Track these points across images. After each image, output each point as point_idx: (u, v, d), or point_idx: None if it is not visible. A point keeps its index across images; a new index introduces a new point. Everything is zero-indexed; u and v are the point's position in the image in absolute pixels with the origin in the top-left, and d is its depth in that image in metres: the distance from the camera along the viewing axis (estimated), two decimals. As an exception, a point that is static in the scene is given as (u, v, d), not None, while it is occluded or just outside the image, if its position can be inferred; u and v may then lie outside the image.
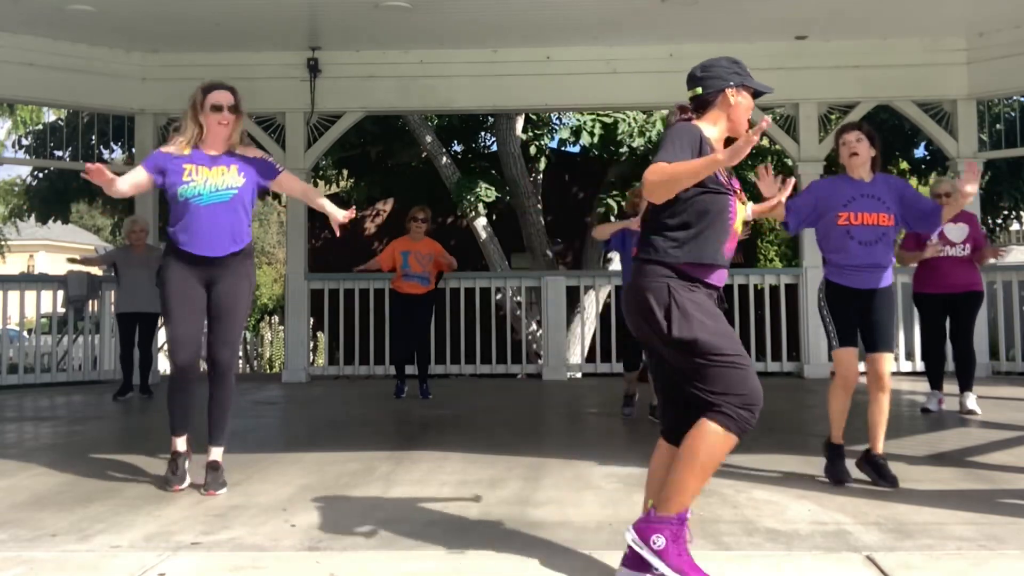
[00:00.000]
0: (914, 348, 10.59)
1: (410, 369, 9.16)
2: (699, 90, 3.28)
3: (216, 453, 4.66)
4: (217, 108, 4.61)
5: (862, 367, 4.84)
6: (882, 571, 3.16)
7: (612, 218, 14.05)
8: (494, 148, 16.17)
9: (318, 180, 16.67)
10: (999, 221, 16.48)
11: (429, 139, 14.83)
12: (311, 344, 12.69)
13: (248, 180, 4.65)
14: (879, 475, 4.54)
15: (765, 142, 16.07)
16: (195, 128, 4.63)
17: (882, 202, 4.71)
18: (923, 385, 9.27)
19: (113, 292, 9.30)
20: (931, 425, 6.70)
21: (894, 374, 10.65)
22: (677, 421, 3.15)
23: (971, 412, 7.03)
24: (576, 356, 12.83)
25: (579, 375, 11.63)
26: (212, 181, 4.55)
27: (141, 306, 8.67)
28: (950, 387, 7.43)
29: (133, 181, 4.63)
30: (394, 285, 8.88)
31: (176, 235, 4.58)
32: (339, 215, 4.72)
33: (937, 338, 7.34)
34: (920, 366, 10.41)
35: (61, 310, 10.55)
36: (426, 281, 8.71)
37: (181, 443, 4.65)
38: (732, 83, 3.23)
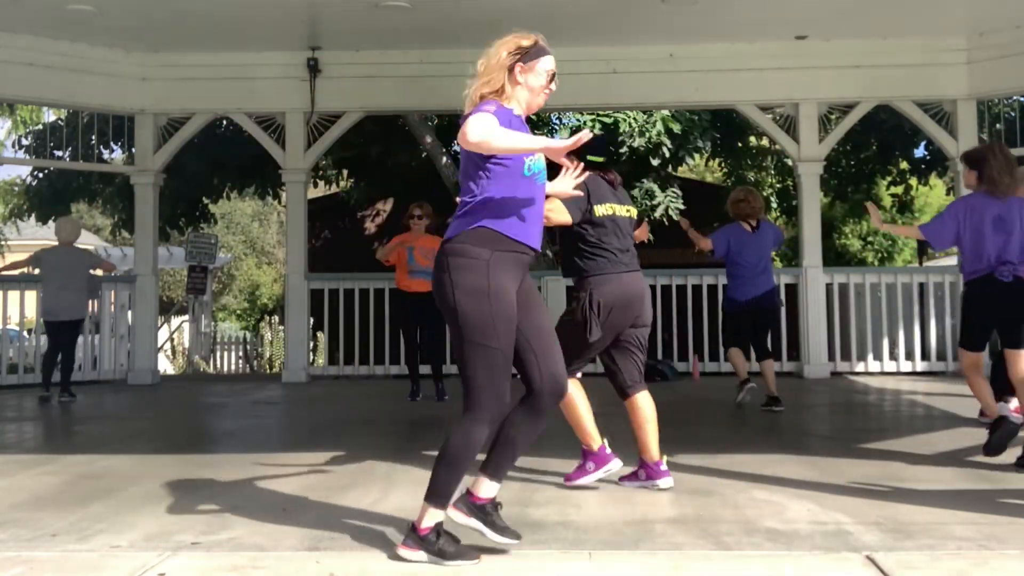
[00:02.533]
0: (914, 347, 10.60)
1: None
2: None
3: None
4: (552, 77, 3.70)
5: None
6: (882, 571, 3.16)
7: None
8: (494, 148, 16.13)
9: (318, 180, 16.68)
10: None
11: (429, 139, 14.81)
12: (311, 344, 12.69)
13: None
14: None
15: (765, 142, 16.08)
16: (510, 88, 3.54)
17: None
18: (924, 385, 9.29)
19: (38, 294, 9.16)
20: (931, 425, 6.70)
21: (894, 374, 10.70)
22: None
23: None
24: (576, 356, 12.80)
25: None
26: (539, 156, 3.52)
27: (63, 314, 8.76)
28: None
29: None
30: (401, 284, 8.53)
31: (509, 222, 3.40)
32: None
33: None
34: (921, 366, 10.44)
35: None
36: (431, 276, 8.54)
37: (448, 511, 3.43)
38: None
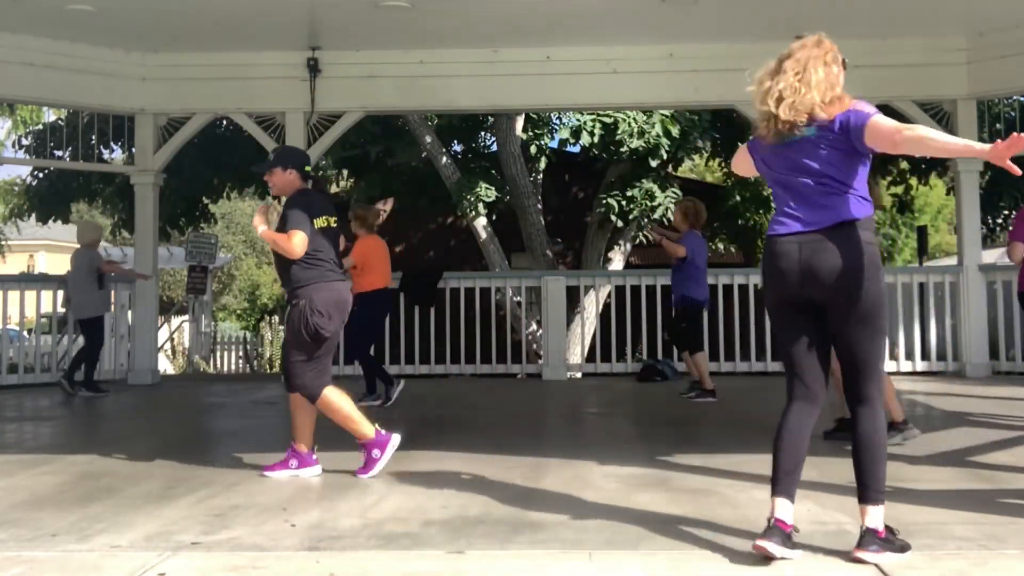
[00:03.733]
0: (914, 347, 10.60)
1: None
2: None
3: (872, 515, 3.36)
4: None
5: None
6: (882, 571, 3.16)
7: (612, 217, 14.01)
8: (494, 148, 16.15)
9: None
10: (999, 221, 16.48)
11: (429, 139, 14.82)
12: (311, 344, 12.66)
13: None
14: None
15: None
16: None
17: None
18: (923, 385, 9.29)
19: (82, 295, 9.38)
20: (931, 425, 6.70)
21: (895, 374, 10.72)
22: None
23: None
24: (576, 356, 12.82)
25: (579, 375, 11.63)
26: None
27: (74, 313, 9.46)
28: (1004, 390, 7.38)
29: None
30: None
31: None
32: None
33: None
34: (921, 366, 10.44)
35: (61, 310, 10.55)
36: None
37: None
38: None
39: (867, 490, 3.33)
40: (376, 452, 4.86)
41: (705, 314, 8.82)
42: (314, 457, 4.97)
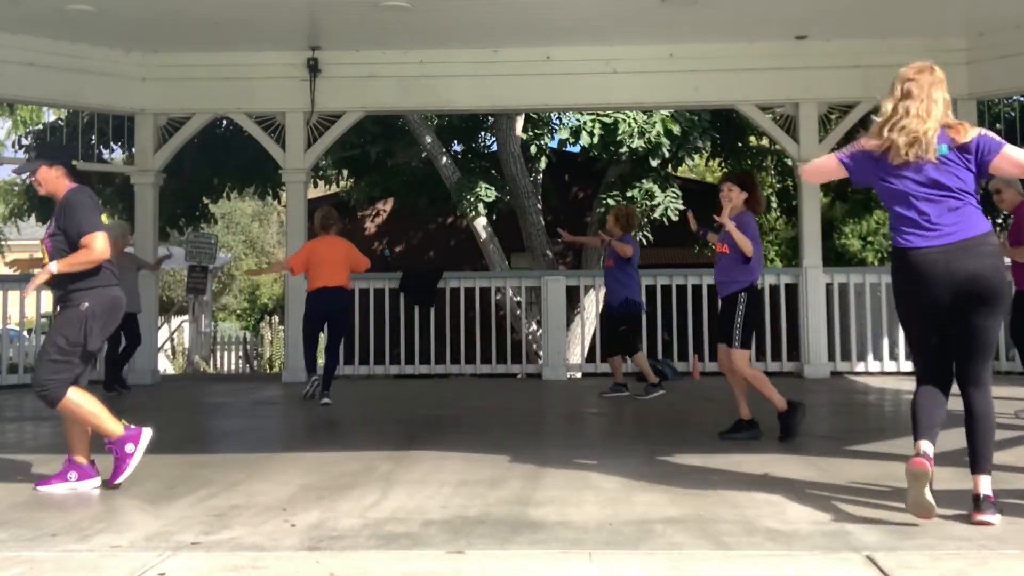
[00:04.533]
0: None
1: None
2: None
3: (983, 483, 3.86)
4: None
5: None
6: (882, 571, 3.16)
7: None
8: (494, 148, 16.15)
9: (318, 180, 16.67)
10: (999, 220, 16.47)
11: (429, 139, 14.83)
12: (311, 344, 12.67)
13: None
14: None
15: (765, 142, 16.07)
16: None
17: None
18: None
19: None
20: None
21: (894, 374, 10.71)
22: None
23: None
24: (576, 356, 12.82)
25: (579, 375, 11.63)
26: None
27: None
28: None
29: None
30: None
31: None
32: None
33: None
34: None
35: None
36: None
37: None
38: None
39: (982, 461, 3.83)
40: (129, 446, 4.57)
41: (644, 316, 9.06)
42: (96, 468, 4.69)
